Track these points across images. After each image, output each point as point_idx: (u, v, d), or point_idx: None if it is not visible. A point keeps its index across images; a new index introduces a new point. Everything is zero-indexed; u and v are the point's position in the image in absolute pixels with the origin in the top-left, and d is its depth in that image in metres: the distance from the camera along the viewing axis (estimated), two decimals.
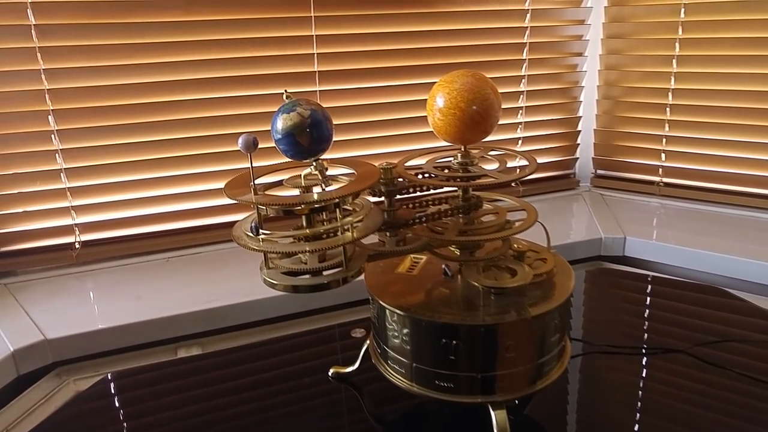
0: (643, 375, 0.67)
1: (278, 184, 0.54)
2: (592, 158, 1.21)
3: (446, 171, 0.56)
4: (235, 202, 0.52)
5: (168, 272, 0.91)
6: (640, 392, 0.63)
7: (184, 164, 0.94)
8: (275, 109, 0.48)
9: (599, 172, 1.23)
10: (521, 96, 1.13)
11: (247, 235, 0.49)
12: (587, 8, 1.13)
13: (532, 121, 1.15)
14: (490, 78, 0.52)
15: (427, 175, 0.55)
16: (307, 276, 0.50)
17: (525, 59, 1.11)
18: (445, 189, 0.57)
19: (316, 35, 0.96)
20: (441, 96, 0.52)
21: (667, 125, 1.12)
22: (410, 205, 0.57)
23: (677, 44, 1.07)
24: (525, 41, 1.10)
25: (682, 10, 1.05)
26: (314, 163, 0.50)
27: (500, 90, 0.53)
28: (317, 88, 0.98)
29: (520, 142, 1.16)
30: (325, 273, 0.50)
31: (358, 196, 0.50)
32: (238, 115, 0.95)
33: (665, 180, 1.14)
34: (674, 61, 1.08)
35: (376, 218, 0.51)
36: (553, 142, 1.19)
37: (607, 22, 1.13)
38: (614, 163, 1.20)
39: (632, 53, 1.14)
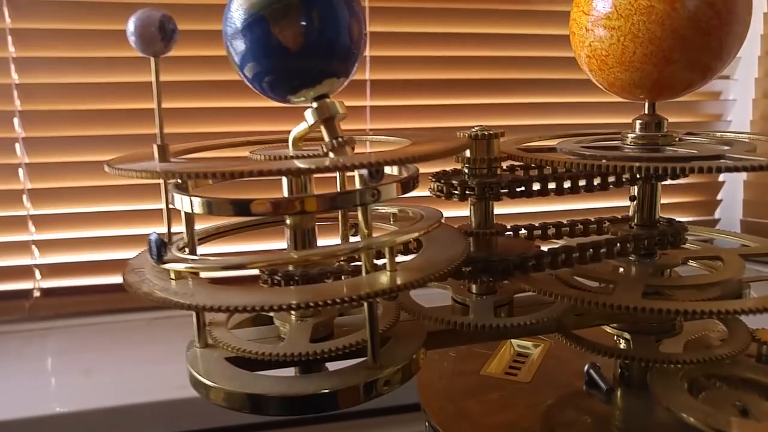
0: None
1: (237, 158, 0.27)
2: (740, 220, 0.89)
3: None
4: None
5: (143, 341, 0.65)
6: None
7: None
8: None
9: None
10: None
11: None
12: None
13: None
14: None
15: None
16: (281, 370, 0.22)
17: None
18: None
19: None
20: None
21: None
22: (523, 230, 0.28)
23: None
24: None
25: None
26: (314, 104, 0.23)
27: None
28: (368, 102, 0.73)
29: None
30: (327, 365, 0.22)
31: (415, 183, 0.23)
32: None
33: None
34: None
35: (451, 247, 0.23)
36: (687, 196, 0.88)
37: (767, 34, 0.84)
38: None
39: None
